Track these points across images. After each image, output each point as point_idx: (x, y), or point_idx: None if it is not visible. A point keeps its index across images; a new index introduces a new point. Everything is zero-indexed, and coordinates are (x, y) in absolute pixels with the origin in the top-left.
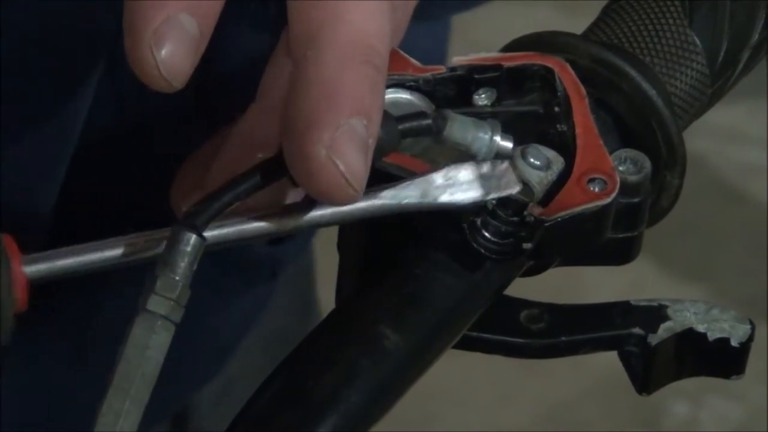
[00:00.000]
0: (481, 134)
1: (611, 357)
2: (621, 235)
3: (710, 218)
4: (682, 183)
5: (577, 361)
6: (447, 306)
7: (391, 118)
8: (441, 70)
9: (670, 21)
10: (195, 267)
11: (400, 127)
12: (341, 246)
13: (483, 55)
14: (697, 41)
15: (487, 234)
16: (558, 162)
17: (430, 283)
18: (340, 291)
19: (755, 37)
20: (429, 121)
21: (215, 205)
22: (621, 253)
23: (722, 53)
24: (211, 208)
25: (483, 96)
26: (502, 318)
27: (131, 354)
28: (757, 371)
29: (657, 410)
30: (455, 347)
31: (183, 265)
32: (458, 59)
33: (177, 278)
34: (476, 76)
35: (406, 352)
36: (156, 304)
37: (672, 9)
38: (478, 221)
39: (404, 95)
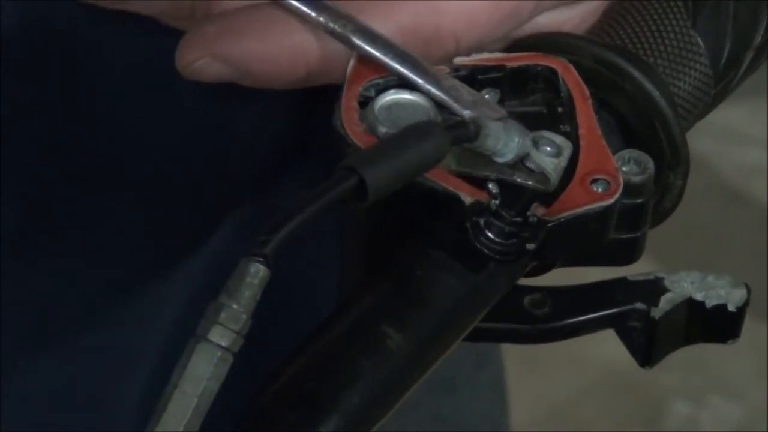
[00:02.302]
0: (509, 140)
1: (611, 355)
2: (624, 236)
3: (711, 219)
4: (685, 184)
5: (578, 359)
6: (450, 306)
7: (438, 126)
8: (444, 70)
9: (674, 22)
10: (258, 297)
11: (449, 135)
12: (343, 246)
13: (486, 55)
14: (700, 42)
15: (490, 234)
16: (567, 147)
17: (432, 283)
18: (342, 290)
19: (758, 38)
20: (471, 128)
21: (284, 232)
22: (624, 254)
23: (725, 54)
24: (280, 235)
25: (486, 96)
26: (506, 306)
27: (188, 384)
28: (757, 371)
29: (657, 410)
30: (464, 339)
31: (248, 295)
32: (461, 60)
33: (242, 310)
34: (479, 77)
35: (408, 352)
36: (218, 335)
37: (675, 10)
38: (481, 221)
39: (408, 96)
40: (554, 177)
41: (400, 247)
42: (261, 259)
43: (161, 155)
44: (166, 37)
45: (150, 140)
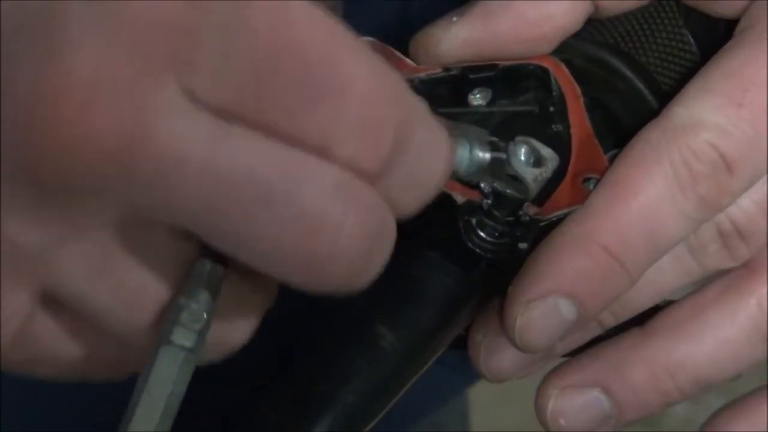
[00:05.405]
0: (460, 150)
1: None
2: None
3: None
4: None
5: None
6: (443, 306)
7: None
8: (436, 69)
9: (665, 20)
10: (216, 296)
11: None
12: None
13: None
14: (692, 40)
15: (482, 234)
16: (553, 159)
17: (426, 283)
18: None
19: None
20: None
21: None
22: None
23: (717, 53)
24: None
25: (478, 96)
26: None
27: (155, 388)
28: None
29: None
30: (452, 347)
31: (206, 295)
32: None
33: (201, 308)
34: (471, 76)
35: (402, 351)
36: (182, 336)
37: (667, 8)
38: (474, 221)
39: None
40: (533, 187)
41: (394, 247)
42: (212, 257)
43: None
44: None
45: None
